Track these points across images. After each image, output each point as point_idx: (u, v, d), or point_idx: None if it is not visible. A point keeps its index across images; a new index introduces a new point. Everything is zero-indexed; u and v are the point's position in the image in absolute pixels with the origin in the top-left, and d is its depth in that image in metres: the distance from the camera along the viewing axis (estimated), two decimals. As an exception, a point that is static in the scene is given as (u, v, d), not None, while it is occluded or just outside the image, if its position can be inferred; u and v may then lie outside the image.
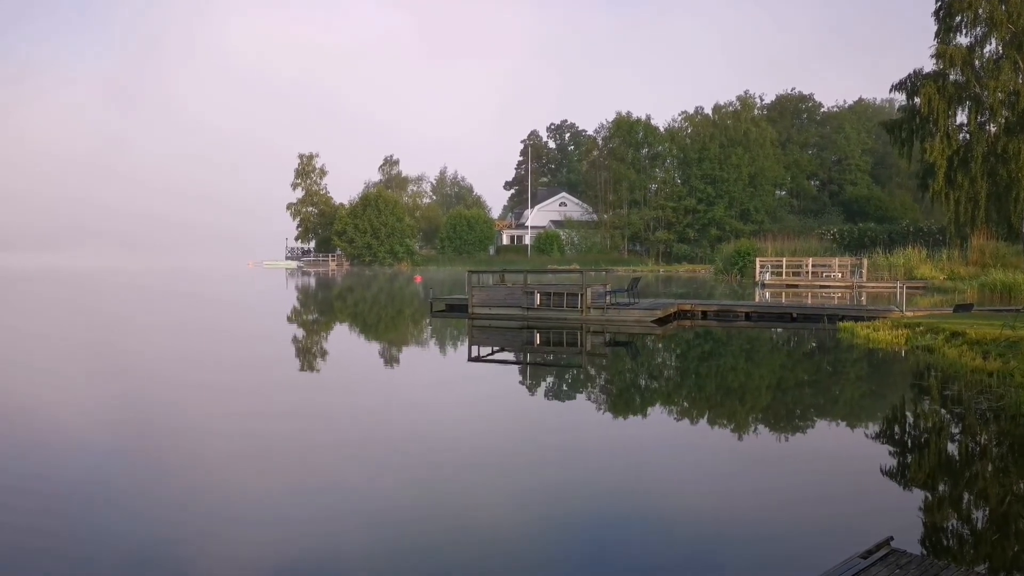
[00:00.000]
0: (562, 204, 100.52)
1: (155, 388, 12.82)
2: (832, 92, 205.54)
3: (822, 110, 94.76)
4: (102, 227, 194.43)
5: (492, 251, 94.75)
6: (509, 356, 17.67)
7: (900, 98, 46.29)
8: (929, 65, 42.74)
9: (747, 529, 6.14)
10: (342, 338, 22.37)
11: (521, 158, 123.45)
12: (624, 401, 12.15)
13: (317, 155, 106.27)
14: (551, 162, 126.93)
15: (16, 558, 5.49)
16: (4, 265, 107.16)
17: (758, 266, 45.31)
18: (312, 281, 60.13)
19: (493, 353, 17.90)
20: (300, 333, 23.48)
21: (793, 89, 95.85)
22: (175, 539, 5.87)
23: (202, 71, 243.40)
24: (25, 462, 8.05)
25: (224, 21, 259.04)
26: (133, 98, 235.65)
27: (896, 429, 10.12)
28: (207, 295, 42.54)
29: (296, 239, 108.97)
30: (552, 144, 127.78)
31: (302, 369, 15.61)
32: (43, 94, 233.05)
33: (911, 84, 42.97)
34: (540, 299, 23.02)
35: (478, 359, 16.66)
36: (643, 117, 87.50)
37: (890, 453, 8.62)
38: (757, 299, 32.16)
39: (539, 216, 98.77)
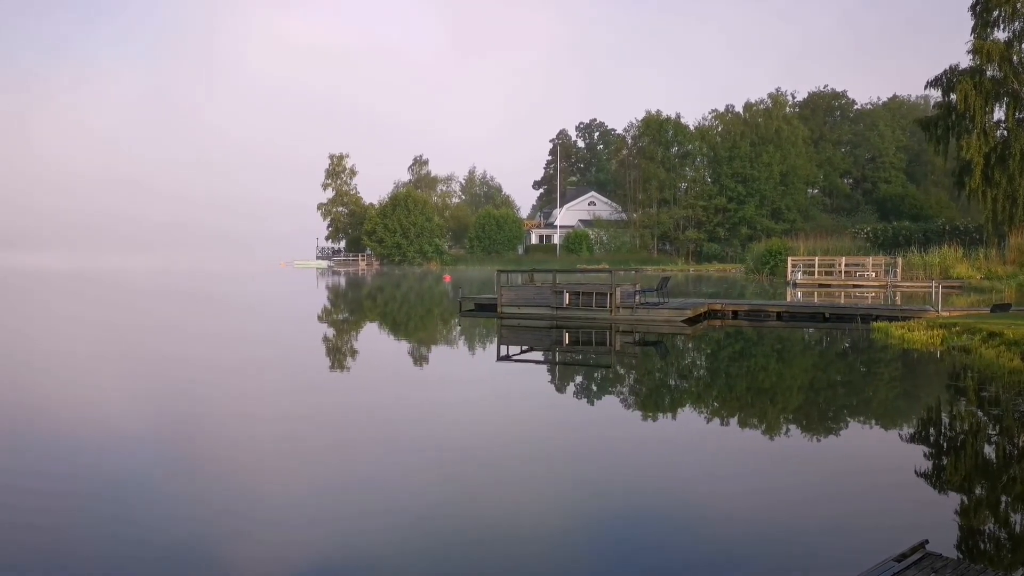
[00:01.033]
0: (591, 203, 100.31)
1: (190, 386, 12.99)
2: (865, 89, 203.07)
3: (855, 107, 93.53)
4: (134, 230, 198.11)
5: (521, 250, 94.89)
6: (538, 355, 17.67)
7: (936, 95, 45.55)
8: (965, 61, 42.07)
9: (779, 531, 6.09)
10: (372, 337, 22.51)
11: (550, 157, 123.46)
12: (654, 401, 12.09)
13: (347, 155, 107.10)
14: (580, 161, 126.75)
15: (53, 554, 5.60)
16: (40, 266, 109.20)
17: (790, 265, 44.90)
18: (342, 281, 60.60)
19: (522, 352, 17.90)
20: (331, 332, 23.67)
21: (826, 86, 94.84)
22: (208, 537, 5.96)
23: (229, 74, 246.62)
24: (63, 460, 8.21)
25: (249, 24, 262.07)
26: (161, 99, 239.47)
27: (931, 431, 9.96)
28: (240, 295, 43.02)
29: (326, 239, 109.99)
30: (581, 143, 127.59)
31: (332, 368, 15.74)
32: (71, 97, 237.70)
33: (947, 80, 42.25)
34: (569, 298, 22.99)
35: (507, 358, 16.68)
36: (673, 116, 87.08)
37: (925, 455, 8.49)
38: (789, 299, 31.84)
39: (568, 215, 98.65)
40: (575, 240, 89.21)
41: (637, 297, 22.85)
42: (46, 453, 8.40)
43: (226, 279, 60.69)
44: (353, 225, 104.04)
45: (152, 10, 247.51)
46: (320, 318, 28.61)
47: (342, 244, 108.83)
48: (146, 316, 28.56)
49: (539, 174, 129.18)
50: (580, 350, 18.44)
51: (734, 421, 10.46)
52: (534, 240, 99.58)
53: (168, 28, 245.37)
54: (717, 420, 10.53)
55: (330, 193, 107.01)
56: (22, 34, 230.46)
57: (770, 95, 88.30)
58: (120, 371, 14.87)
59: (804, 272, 43.66)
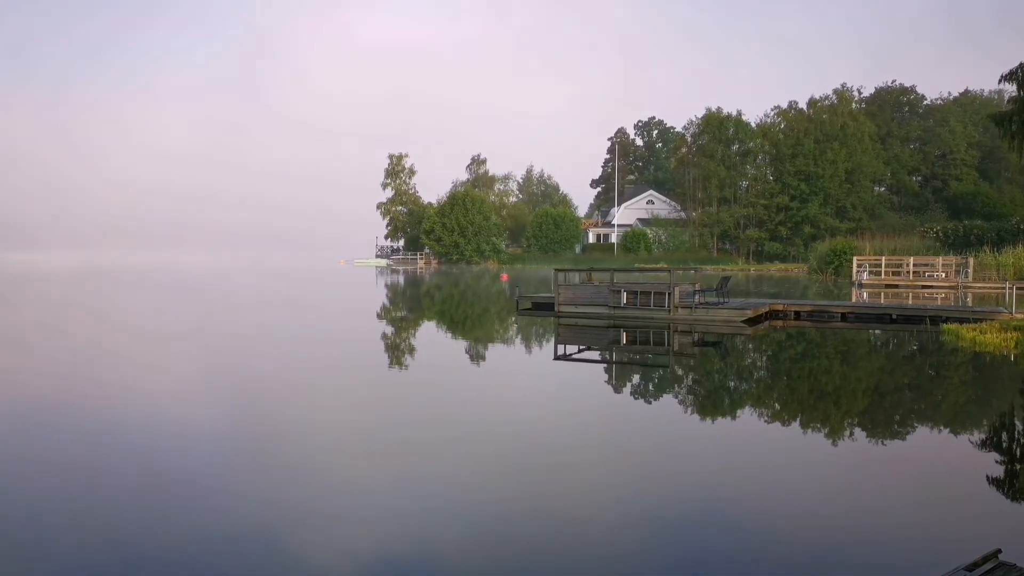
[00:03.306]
0: (649, 202, 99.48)
1: (256, 384, 13.32)
2: (935, 84, 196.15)
3: (925, 103, 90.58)
4: (205, 226, 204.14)
5: (578, 249, 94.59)
6: (595, 355, 17.60)
7: (1010, 89, 43.74)
8: (1043, 53, 40.36)
9: (846, 537, 5.94)
10: (431, 335, 22.71)
11: (608, 156, 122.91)
12: (713, 402, 11.93)
13: (406, 155, 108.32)
14: (638, 159, 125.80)
15: (123, 541, 5.79)
16: (114, 263, 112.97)
17: (855, 265, 43.86)
18: (401, 279, 61.30)
19: (579, 352, 17.85)
20: (391, 330, 23.96)
21: (894, 81, 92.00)
22: (276, 531, 6.09)
23: (299, 73, 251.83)
24: (136, 449, 8.49)
25: (309, 26, 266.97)
26: (231, 99, 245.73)
27: (1004, 436, 9.61)
28: (302, 293, 43.86)
29: (386, 238, 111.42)
30: (639, 141, 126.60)
31: (391, 366, 15.93)
32: (149, 96, 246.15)
33: (1022, 74, 40.66)
34: (627, 298, 22.83)
35: (564, 357, 16.65)
36: (734, 113, 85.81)
37: (997, 461, 8.19)
38: (854, 299, 31.08)
39: (626, 214, 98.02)
40: (633, 239, 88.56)
41: (696, 297, 22.57)
42: (120, 445, 8.71)
43: (288, 277, 61.92)
44: (412, 224, 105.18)
45: (217, 13, 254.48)
46: (380, 316, 28.99)
47: (401, 243, 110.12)
48: (215, 312, 29.33)
49: (597, 173, 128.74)
50: (638, 350, 18.30)
51: (796, 424, 10.26)
52: (592, 239, 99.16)
53: (232, 31, 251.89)
54: (778, 423, 10.34)
55: (390, 192, 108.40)
56: (94, 38, 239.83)
57: (835, 91, 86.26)
58: (193, 363, 15.33)
59: (870, 272, 42.58)
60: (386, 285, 52.64)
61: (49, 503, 6.54)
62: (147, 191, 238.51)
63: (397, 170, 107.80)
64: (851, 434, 9.62)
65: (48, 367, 14.96)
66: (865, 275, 42.24)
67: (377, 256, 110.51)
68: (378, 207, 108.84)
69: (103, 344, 18.93)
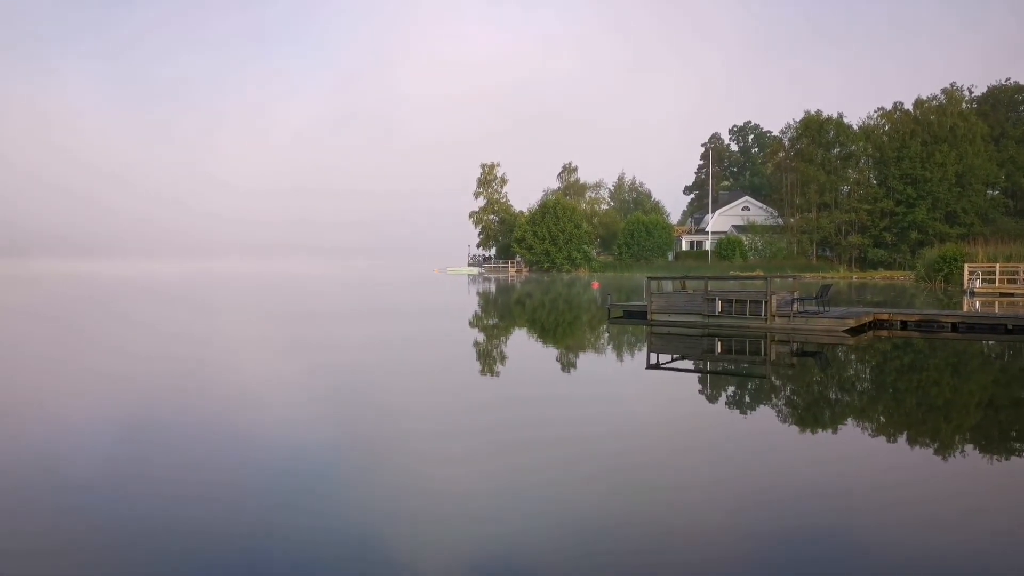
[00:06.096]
0: (745, 208, 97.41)
1: (356, 390, 13.68)
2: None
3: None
4: (308, 236, 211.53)
5: (671, 257, 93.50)
6: (689, 364, 17.31)
7: None
8: None
9: (955, 562, 5.66)
10: (523, 342, 22.80)
11: (702, 162, 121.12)
12: (814, 415, 11.56)
13: (498, 164, 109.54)
14: (733, 165, 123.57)
15: (219, 548, 6.04)
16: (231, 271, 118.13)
17: (967, 272, 41.80)
18: (492, 287, 61.83)
19: (672, 360, 17.60)
20: (483, 337, 24.19)
21: (1008, 79, 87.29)
22: (363, 533, 6.24)
23: (395, 84, 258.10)
24: (231, 452, 8.86)
25: (415, 35, 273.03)
26: (332, 114, 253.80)
27: None
28: (403, 300, 44.81)
29: (478, 246, 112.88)
30: (734, 147, 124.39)
31: (484, 372, 16.07)
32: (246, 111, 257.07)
33: None
34: (722, 306, 22.39)
35: (657, 366, 16.44)
36: (834, 115, 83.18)
37: None
38: (966, 308, 29.57)
39: (720, 221, 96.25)
40: (728, 246, 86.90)
41: (795, 305, 21.92)
42: (215, 451, 9.10)
43: (386, 285, 63.37)
44: (503, 232, 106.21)
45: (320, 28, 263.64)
46: (473, 323, 29.31)
47: (492, 251, 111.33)
48: (318, 317, 30.28)
49: (690, 179, 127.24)
50: (733, 359, 17.90)
51: (902, 440, 9.82)
52: (684, 246, 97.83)
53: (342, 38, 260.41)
54: (882, 438, 9.92)
55: (482, 201, 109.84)
56: (212, 49, 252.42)
57: (944, 91, 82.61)
58: (296, 367, 15.87)
59: (983, 280, 40.50)
60: (478, 293, 53.20)
61: (175, 505, 6.90)
62: (253, 205, 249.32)
63: (489, 179, 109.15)
64: (961, 451, 9.15)
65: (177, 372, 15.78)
66: (978, 283, 40.20)
67: (469, 264, 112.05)
68: (470, 216, 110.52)
69: (216, 345, 19.82)
